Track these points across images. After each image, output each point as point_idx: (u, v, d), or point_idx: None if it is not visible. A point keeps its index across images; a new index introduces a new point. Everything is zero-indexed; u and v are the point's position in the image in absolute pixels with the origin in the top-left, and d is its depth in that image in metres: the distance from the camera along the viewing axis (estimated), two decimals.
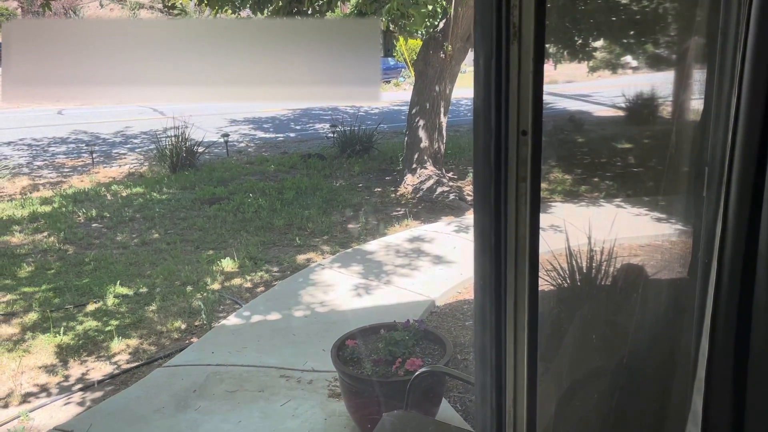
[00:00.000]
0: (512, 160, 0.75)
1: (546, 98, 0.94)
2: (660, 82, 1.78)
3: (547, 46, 0.75)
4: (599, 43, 1.86)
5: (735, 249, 1.20)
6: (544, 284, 1.06)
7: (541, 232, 1.06)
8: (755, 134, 1.15)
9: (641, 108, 1.99)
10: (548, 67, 0.94)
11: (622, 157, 2.08)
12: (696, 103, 1.41)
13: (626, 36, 1.76)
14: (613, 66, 1.87)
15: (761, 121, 1.14)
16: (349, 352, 3.01)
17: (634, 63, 1.85)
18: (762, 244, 1.16)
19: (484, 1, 0.70)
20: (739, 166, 1.17)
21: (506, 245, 0.79)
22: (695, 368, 1.33)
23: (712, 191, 1.35)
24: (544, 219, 1.01)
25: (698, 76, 1.46)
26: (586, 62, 1.88)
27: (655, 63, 1.77)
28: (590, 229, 2.05)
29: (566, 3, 1.55)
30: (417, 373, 2.36)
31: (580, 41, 1.77)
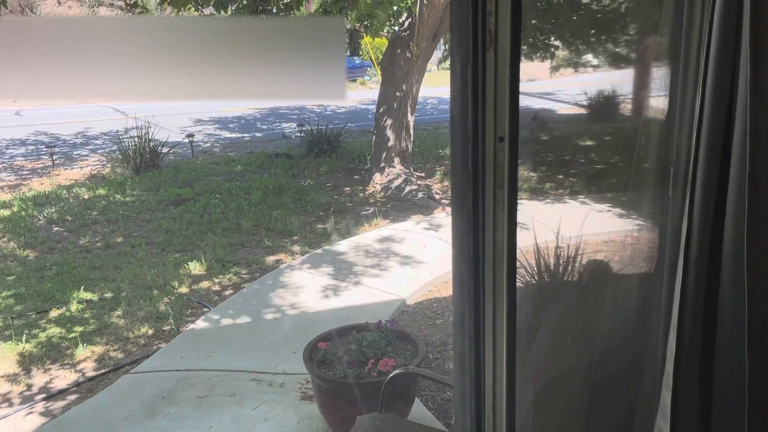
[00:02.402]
0: (489, 167, 0.75)
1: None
2: (624, 82, 1.81)
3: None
4: (566, 42, 1.89)
5: (700, 247, 1.22)
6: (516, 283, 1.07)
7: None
8: (719, 134, 1.18)
9: (607, 107, 2.02)
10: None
11: (589, 156, 2.11)
12: (662, 104, 1.44)
13: (592, 35, 1.79)
14: (577, 65, 1.90)
15: (725, 122, 1.17)
16: (321, 354, 3.00)
17: (599, 62, 1.87)
18: (726, 241, 1.19)
19: (461, 7, 0.70)
20: (704, 166, 1.19)
21: (484, 251, 0.79)
22: (663, 364, 1.36)
23: (677, 190, 1.38)
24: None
25: (663, 77, 1.48)
26: (549, 61, 1.90)
27: (619, 63, 1.80)
28: (559, 228, 2.07)
29: (540, 7, 1.56)
30: (391, 375, 2.36)
31: (548, 42, 1.78)
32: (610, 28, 1.73)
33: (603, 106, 2.04)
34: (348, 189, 7.97)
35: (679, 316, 1.27)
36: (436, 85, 17.14)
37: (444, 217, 6.62)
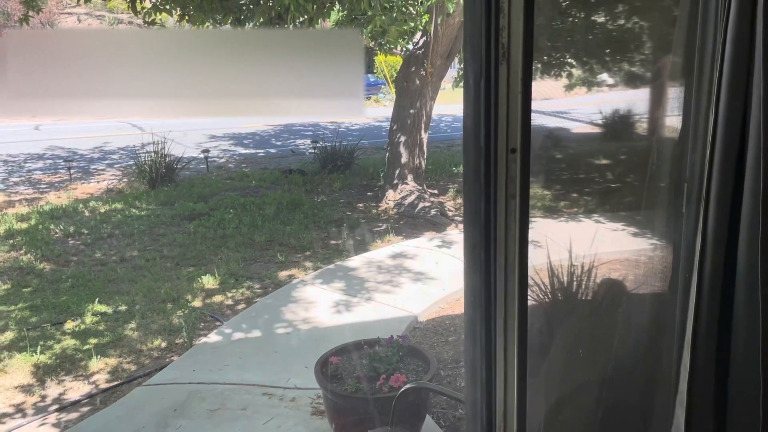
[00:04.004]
0: (502, 178, 0.76)
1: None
2: (639, 101, 1.82)
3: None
4: (580, 62, 1.90)
5: (714, 264, 1.22)
6: (528, 300, 1.07)
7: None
8: (733, 151, 1.18)
9: (621, 126, 2.02)
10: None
11: (603, 174, 2.11)
12: (675, 121, 1.44)
13: (606, 54, 1.80)
14: (594, 84, 1.91)
15: (738, 138, 1.17)
16: (332, 368, 2.99)
17: (613, 81, 1.88)
18: (740, 258, 1.18)
19: (474, 22, 0.72)
20: (718, 182, 1.19)
21: (496, 261, 0.80)
22: (677, 381, 1.35)
23: (691, 207, 1.38)
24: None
25: (676, 95, 1.49)
26: (567, 79, 1.91)
27: (633, 81, 1.81)
28: (572, 245, 2.07)
29: (554, 26, 1.58)
30: (403, 389, 2.35)
31: (563, 60, 1.80)
32: (624, 47, 1.75)
33: (617, 124, 2.05)
34: (361, 205, 8.00)
35: (693, 333, 1.26)
36: (450, 103, 17.20)
37: (457, 234, 6.62)
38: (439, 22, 7.26)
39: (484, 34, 0.70)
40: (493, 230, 0.77)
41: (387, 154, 8.34)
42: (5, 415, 3.50)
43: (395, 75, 9.87)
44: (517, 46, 0.71)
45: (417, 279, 5.25)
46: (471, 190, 0.79)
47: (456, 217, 7.42)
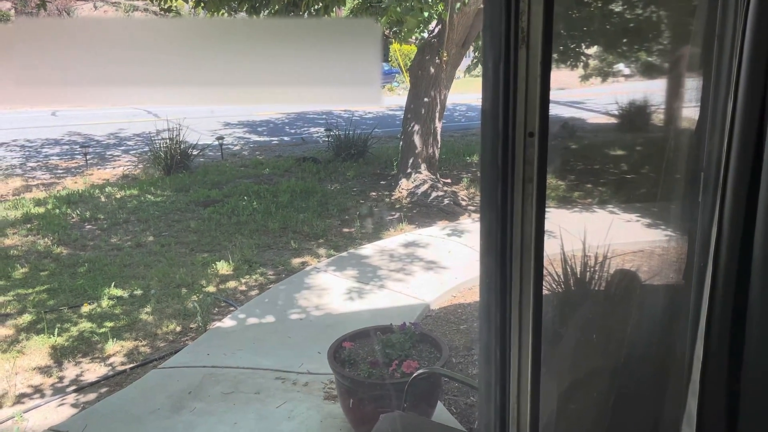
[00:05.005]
0: (519, 161, 0.76)
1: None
2: (657, 90, 1.81)
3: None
4: (599, 51, 1.89)
5: (730, 253, 1.22)
6: (543, 289, 1.08)
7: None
8: (750, 140, 1.18)
9: (637, 116, 2.01)
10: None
11: (619, 164, 2.10)
12: (693, 110, 1.44)
13: (625, 44, 1.79)
14: (611, 74, 1.90)
15: (756, 127, 1.17)
16: (345, 354, 3.02)
17: (631, 71, 1.87)
18: (756, 248, 1.18)
19: (494, 6, 0.72)
20: (735, 172, 1.19)
21: (512, 245, 0.81)
22: (690, 371, 1.35)
23: (707, 196, 1.37)
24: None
25: (695, 84, 1.48)
26: (583, 69, 1.90)
27: (652, 71, 1.80)
28: (586, 236, 2.07)
29: (572, 15, 1.57)
30: (415, 374, 2.37)
31: (580, 49, 1.79)
32: (642, 37, 1.73)
33: (634, 114, 2.03)
34: (374, 194, 8.01)
35: (706, 323, 1.27)
36: (465, 92, 17.11)
37: (470, 223, 6.61)
38: (456, 9, 7.22)
39: (504, 18, 0.71)
40: (509, 214, 0.78)
41: (401, 143, 8.33)
42: (24, 395, 3.57)
43: (409, 64, 9.84)
44: (536, 29, 0.71)
45: (429, 267, 5.27)
46: (488, 174, 0.80)
47: (469, 207, 7.41)
